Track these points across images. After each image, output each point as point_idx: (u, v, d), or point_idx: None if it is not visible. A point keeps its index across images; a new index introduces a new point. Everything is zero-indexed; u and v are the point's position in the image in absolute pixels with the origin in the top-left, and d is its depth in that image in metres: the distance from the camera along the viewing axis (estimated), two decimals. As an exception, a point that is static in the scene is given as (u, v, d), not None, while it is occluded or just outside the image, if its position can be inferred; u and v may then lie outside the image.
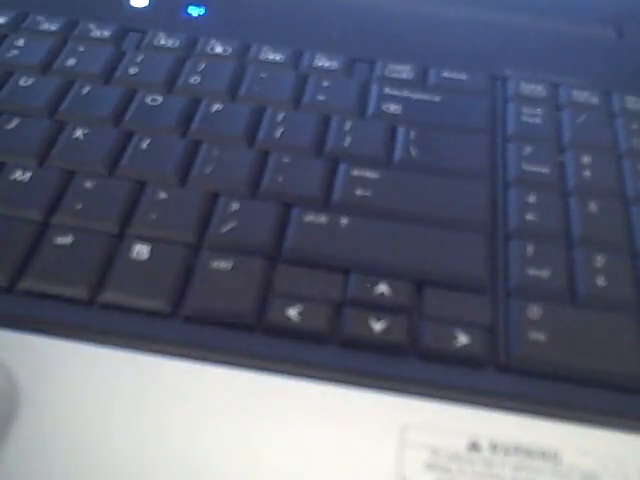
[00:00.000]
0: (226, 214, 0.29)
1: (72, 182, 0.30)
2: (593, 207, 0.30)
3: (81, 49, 0.36)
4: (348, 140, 0.32)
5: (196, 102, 0.34)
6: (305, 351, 0.26)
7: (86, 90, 0.34)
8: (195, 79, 0.35)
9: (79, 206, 0.29)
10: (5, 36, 0.37)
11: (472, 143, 0.33)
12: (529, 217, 0.30)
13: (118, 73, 0.35)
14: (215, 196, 0.30)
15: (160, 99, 0.33)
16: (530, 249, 0.28)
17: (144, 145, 0.31)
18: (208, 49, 0.37)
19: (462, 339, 0.26)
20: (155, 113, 0.33)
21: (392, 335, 0.26)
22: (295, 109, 0.34)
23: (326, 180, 0.30)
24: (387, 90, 0.35)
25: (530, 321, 0.26)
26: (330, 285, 0.27)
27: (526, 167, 0.32)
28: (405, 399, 0.25)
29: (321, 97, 0.34)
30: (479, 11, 0.40)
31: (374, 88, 0.35)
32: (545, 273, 0.28)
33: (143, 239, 0.28)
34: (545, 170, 0.32)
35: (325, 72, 0.36)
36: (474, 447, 0.24)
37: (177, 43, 0.37)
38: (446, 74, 0.36)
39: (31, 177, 0.30)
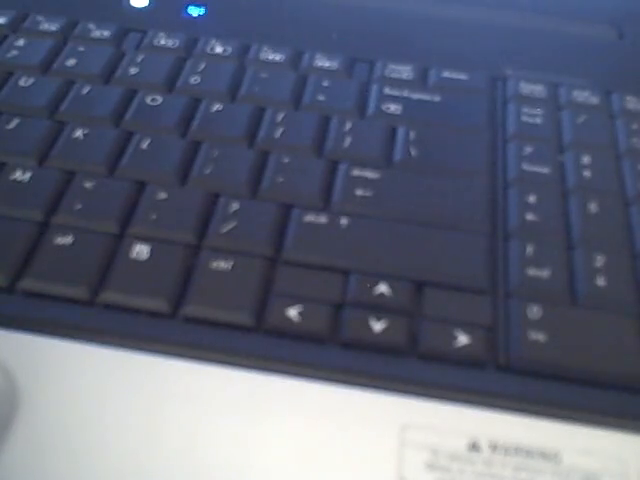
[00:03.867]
0: (226, 214, 0.29)
1: (72, 182, 0.30)
2: (593, 207, 0.30)
3: (81, 49, 0.36)
4: (348, 140, 0.32)
5: (196, 102, 0.34)
6: (305, 351, 0.26)
7: (86, 90, 0.34)
8: (195, 79, 0.35)
9: (79, 206, 0.29)
10: (5, 36, 0.37)
11: (472, 143, 0.33)
12: (529, 217, 0.30)
13: (118, 73, 0.35)
14: (215, 196, 0.30)
15: (160, 99, 0.33)
16: (530, 249, 0.28)
17: (144, 145, 0.31)
18: (208, 49, 0.37)
19: (462, 339, 0.26)
20: (155, 113, 0.33)
21: (392, 335, 0.26)
22: (295, 109, 0.34)
23: (326, 180, 0.30)
24: (387, 90, 0.35)
25: (530, 321, 0.26)
26: (330, 285, 0.27)
27: (526, 167, 0.32)
28: (405, 399, 0.25)
29: (321, 97, 0.34)
30: (479, 11, 0.40)
31: (374, 88, 0.35)
32: (545, 273, 0.28)
33: (143, 239, 0.28)
34: (545, 170, 0.32)
35: (325, 72, 0.36)
36: (474, 447, 0.24)
37: (177, 43, 0.37)
38: (446, 74, 0.36)
39: (31, 177, 0.30)
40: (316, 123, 0.33)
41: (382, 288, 0.27)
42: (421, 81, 0.36)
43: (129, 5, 0.39)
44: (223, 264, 0.27)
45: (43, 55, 0.35)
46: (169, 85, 0.34)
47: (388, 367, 0.25)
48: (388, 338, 0.26)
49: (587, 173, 0.31)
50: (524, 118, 0.34)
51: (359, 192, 0.30)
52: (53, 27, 0.37)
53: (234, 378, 0.25)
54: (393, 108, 0.34)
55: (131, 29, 0.38)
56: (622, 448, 0.24)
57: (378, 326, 0.26)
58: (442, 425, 0.24)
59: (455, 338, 0.26)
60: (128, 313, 0.26)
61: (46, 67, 0.35)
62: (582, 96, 0.35)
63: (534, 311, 0.27)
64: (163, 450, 0.23)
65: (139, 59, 0.35)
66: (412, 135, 0.32)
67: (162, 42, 0.37)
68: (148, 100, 0.33)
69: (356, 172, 0.31)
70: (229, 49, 0.37)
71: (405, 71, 0.36)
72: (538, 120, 0.34)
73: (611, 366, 0.25)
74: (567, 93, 0.35)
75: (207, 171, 0.30)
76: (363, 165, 0.31)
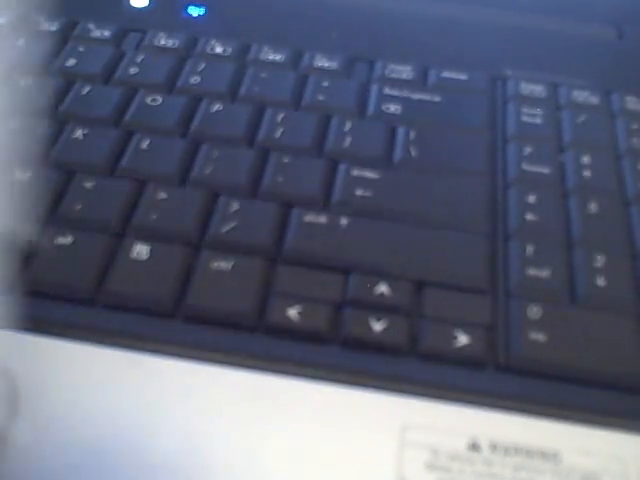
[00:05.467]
0: (226, 214, 0.29)
1: (72, 182, 0.30)
2: (593, 207, 0.30)
3: (81, 49, 0.36)
4: (348, 140, 0.32)
5: (196, 102, 0.34)
6: (305, 351, 0.26)
7: (86, 90, 0.34)
8: (195, 79, 0.35)
9: (79, 206, 0.29)
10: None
11: (472, 143, 0.33)
12: (529, 217, 0.30)
13: (118, 73, 0.35)
14: (215, 196, 0.30)
15: (160, 99, 0.33)
16: (530, 249, 0.28)
17: (144, 145, 0.31)
18: (208, 49, 0.37)
19: (462, 339, 0.26)
20: (155, 113, 0.33)
21: (392, 335, 0.26)
22: (295, 109, 0.34)
23: (326, 180, 0.30)
24: (387, 90, 0.35)
25: (530, 321, 0.26)
26: (330, 285, 0.27)
27: (526, 167, 0.32)
28: (405, 399, 0.25)
29: (321, 97, 0.34)
30: (479, 11, 0.40)
31: (374, 88, 0.35)
32: (545, 273, 0.28)
33: (143, 239, 0.28)
34: (545, 170, 0.32)
35: (325, 72, 0.36)
36: (474, 447, 0.24)
37: (177, 43, 0.37)
38: (446, 74, 0.36)
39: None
40: (316, 123, 0.33)
41: (382, 288, 0.27)
42: (421, 81, 0.36)
43: (129, 5, 0.39)
44: (223, 264, 0.27)
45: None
46: (169, 85, 0.34)
47: (388, 367, 0.25)
48: (388, 338, 0.26)
49: (587, 173, 0.31)
50: (524, 118, 0.34)
51: (359, 192, 0.30)
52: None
53: (234, 378, 0.25)
54: (393, 108, 0.34)
55: (131, 29, 0.38)
56: (622, 448, 0.24)
57: (378, 326, 0.26)
58: (442, 425, 0.24)
59: (455, 338, 0.26)
60: (128, 313, 0.26)
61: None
62: (582, 96, 0.35)
63: (534, 311, 0.27)
64: (163, 450, 0.23)
65: (139, 59, 0.35)
66: (412, 135, 0.32)
67: (162, 42, 0.37)
68: (148, 100, 0.33)
69: (356, 172, 0.31)
70: (229, 49, 0.37)
71: (405, 71, 0.36)
72: (538, 120, 0.34)
73: (611, 366, 0.25)
74: (567, 93, 0.35)
75: (207, 171, 0.30)
76: (363, 165, 0.31)
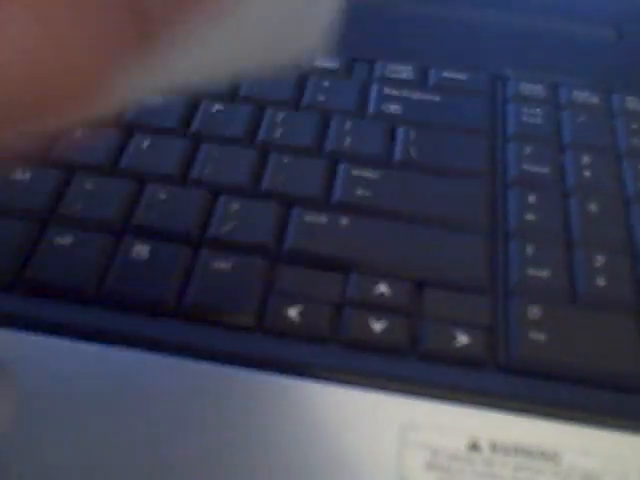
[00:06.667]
0: (226, 214, 0.29)
1: (72, 182, 0.30)
2: (593, 207, 0.30)
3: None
4: (348, 140, 0.32)
5: (197, 102, 0.34)
6: (305, 351, 0.25)
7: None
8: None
9: (79, 206, 0.29)
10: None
11: (472, 143, 0.33)
12: (529, 217, 0.30)
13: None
14: (215, 196, 0.30)
15: (161, 99, 0.33)
16: (530, 249, 0.28)
17: (144, 145, 0.31)
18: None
19: (462, 339, 0.26)
20: (156, 113, 0.33)
21: (392, 335, 0.26)
22: (295, 109, 0.34)
23: (326, 180, 0.30)
24: (387, 90, 0.35)
25: (530, 321, 0.26)
26: (330, 285, 0.27)
27: (526, 167, 0.32)
28: (405, 399, 0.25)
29: (321, 97, 0.34)
30: (479, 11, 0.40)
31: (374, 88, 0.35)
32: (545, 273, 0.28)
33: (143, 239, 0.28)
34: (545, 170, 0.32)
35: (325, 72, 0.36)
36: (474, 447, 0.24)
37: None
38: (446, 74, 0.36)
39: (31, 177, 0.30)
40: (316, 123, 0.33)
41: (382, 288, 0.27)
42: (421, 81, 0.36)
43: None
44: (223, 264, 0.27)
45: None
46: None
47: (388, 367, 0.25)
48: (388, 338, 0.26)
49: (587, 173, 0.31)
50: (524, 118, 0.34)
51: (359, 192, 0.30)
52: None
53: (233, 379, 0.25)
54: (393, 108, 0.34)
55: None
56: (622, 448, 0.24)
57: (378, 326, 0.26)
58: (442, 425, 0.24)
59: (455, 338, 0.26)
60: (128, 313, 0.26)
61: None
62: (582, 96, 0.35)
63: (534, 311, 0.27)
64: (155, 452, 0.23)
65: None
66: (412, 135, 0.32)
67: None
68: (149, 100, 0.33)
69: (356, 172, 0.31)
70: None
71: (405, 71, 0.36)
72: (538, 120, 0.34)
73: (611, 366, 0.25)
74: (567, 93, 0.35)
75: (207, 171, 0.30)
76: (363, 165, 0.31)
